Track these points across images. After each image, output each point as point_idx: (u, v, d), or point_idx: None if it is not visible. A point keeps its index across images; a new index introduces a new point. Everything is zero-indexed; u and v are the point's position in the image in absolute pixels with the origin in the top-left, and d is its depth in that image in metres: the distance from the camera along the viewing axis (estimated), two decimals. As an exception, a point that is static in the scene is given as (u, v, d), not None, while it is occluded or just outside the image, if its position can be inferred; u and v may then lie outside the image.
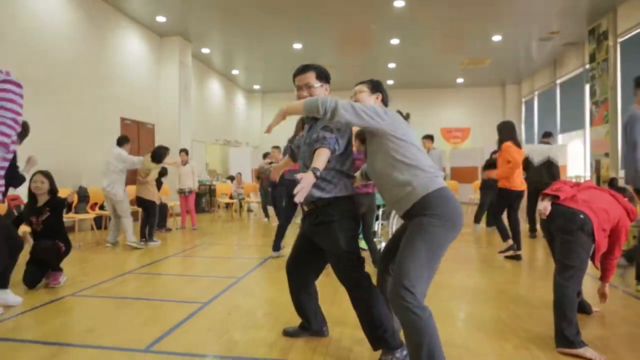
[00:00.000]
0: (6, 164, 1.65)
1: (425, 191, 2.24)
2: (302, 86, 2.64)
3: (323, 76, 2.69)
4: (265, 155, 9.69)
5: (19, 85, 1.65)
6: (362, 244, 5.82)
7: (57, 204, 4.51)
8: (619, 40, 9.88)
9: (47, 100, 7.82)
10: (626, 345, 2.91)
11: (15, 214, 6.38)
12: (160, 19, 10.56)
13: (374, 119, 2.28)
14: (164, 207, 8.49)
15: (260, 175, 10.41)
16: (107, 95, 9.66)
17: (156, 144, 10.82)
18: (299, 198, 2.08)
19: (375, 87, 2.71)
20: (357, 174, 2.99)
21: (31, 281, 4.34)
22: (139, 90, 10.94)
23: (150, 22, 10.81)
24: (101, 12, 9.45)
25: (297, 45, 12.48)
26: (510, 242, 5.76)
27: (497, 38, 11.75)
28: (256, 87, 18.34)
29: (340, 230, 2.56)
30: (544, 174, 7.08)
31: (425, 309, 2.11)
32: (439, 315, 2.39)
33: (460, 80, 16.71)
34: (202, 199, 12.80)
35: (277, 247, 5.90)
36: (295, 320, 3.08)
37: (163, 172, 8.45)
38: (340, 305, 3.67)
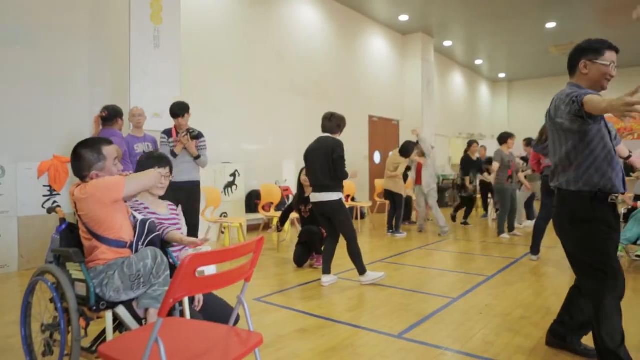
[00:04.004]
0: None
1: None
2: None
3: None
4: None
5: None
6: None
7: None
8: None
9: (309, 105, 8.92)
10: None
11: (286, 202, 7.49)
12: (403, 17, 10.87)
13: None
14: (409, 200, 8.72)
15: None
16: (357, 95, 10.47)
17: (400, 140, 11.26)
18: None
19: None
20: None
21: (299, 260, 5.00)
22: (384, 89, 11.51)
23: (393, 22, 11.23)
24: (350, 19, 10.29)
25: (551, 24, 11.18)
26: None
27: None
28: (501, 75, 17.22)
29: None
30: None
31: None
32: None
33: None
34: (445, 194, 12.69)
35: (535, 249, 5.33)
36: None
37: (409, 167, 8.67)
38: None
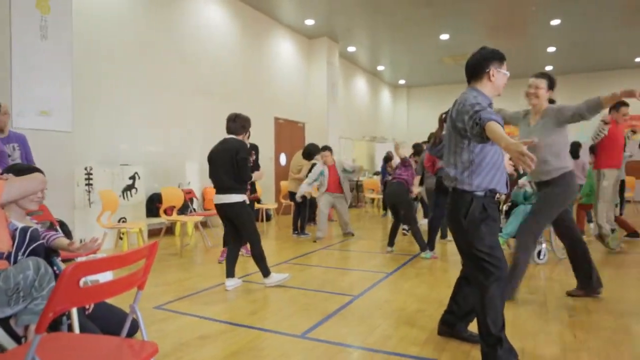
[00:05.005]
0: None
1: None
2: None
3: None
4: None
5: None
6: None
7: None
8: None
9: (215, 106, 8.72)
10: None
11: (190, 206, 7.26)
12: (309, 22, 11.05)
13: None
14: (313, 202, 8.86)
15: None
16: (263, 96, 10.44)
17: (306, 142, 11.41)
18: None
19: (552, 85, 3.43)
20: None
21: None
22: (290, 91, 11.61)
23: (300, 26, 11.37)
24: (256, 21, 10.23)
25: (444, 36, 12.02)
26: None
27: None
28: (401, 82, 18.16)
29: None
30: None
31: None
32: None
33: (640, 58, 14.35)
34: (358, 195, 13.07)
35: (431, 246, 5.68)
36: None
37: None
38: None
